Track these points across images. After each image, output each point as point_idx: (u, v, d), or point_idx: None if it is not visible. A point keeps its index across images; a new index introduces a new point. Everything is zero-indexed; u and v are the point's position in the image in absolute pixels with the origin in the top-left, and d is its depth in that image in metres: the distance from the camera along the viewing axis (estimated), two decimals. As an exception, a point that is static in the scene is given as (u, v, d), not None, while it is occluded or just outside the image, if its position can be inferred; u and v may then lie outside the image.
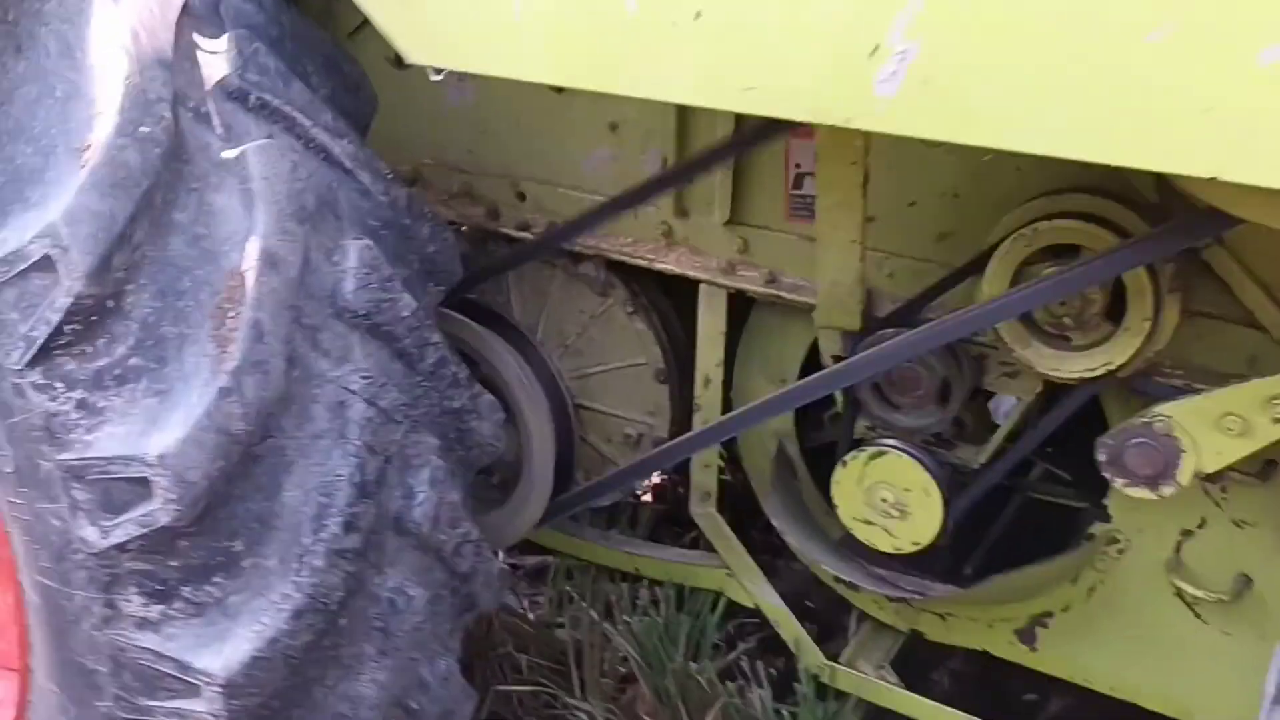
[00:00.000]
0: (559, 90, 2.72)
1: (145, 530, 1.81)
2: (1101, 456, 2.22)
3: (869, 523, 2.48)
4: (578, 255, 2.88)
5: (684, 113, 2.62)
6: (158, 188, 1.80)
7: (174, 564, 1.86)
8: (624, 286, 2.87)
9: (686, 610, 3.03)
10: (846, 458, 2.47)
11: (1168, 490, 2.19)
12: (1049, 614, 2.66)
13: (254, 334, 1.83)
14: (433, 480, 2.09)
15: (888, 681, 2.83)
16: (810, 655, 2.89)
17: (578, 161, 2.81)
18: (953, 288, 2.39)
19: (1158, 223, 2.16)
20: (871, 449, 2.43)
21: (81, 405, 1.80)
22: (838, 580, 2.90)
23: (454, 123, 2.92)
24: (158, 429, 1.80)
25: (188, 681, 1.87)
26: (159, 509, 1.79)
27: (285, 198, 1.92)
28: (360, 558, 1.98)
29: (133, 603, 1.88)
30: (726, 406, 2.83)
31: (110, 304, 1.78)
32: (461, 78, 2.85)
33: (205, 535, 1.86)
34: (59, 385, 1.80)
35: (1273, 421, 2.09)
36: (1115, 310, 2.22)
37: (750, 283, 2.65)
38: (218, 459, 1.81)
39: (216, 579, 1.88)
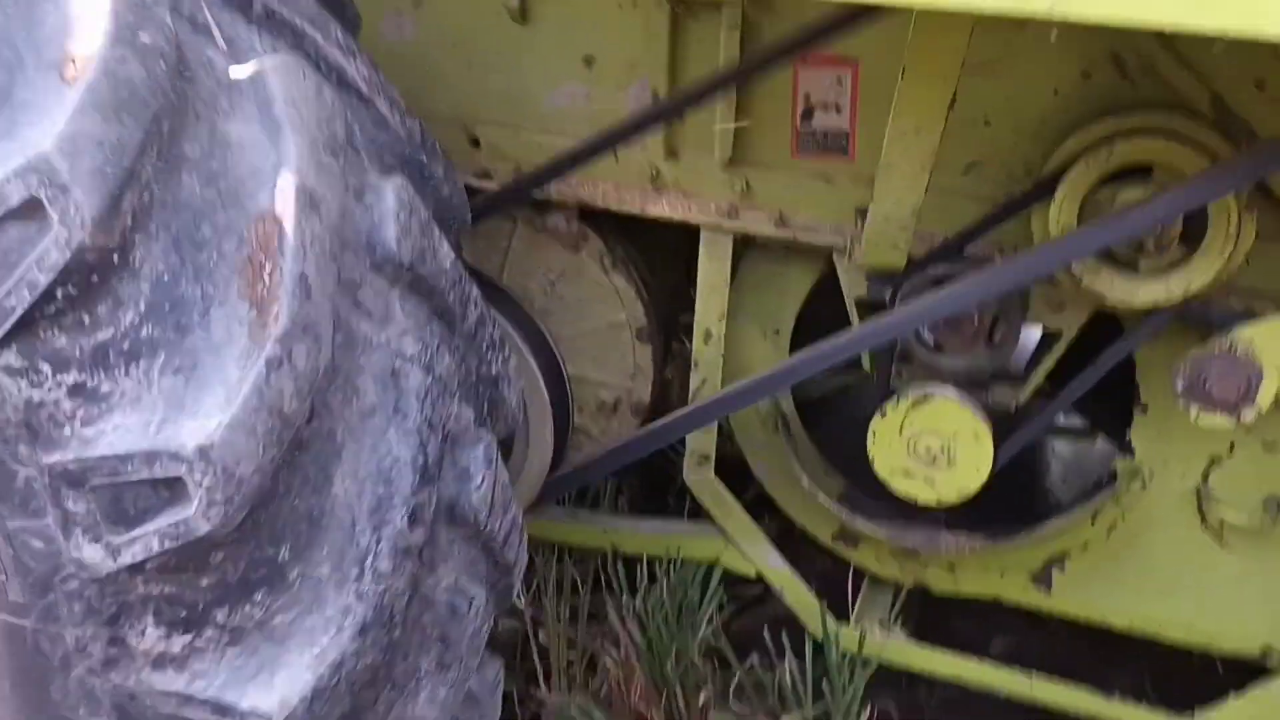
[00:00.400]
0: (523, 19, 2.35)
1: (174, 544, 1.35)
2: (1180, 385, 2.02)
3: (909, 475, 2.22)
4: (542, 205, 2.51)
5: (676, 39, 2.28)
6: (166, 112, 1.35)
7: (205, 583, 1.40)
8: (599, 238, 2.52)
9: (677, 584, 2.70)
10: (886, 406, 2.19)
11: (1249, 415, 2.01)
12: (1065, 555, 2.46)
13: (301, 291, 1.39)
14: (488, 458, 1.69)
15: (898, 639, 2.58)
16: (818, 620, 2.60)
17: (539, 100, 2.43)
18: (1004, 220, 2.13)
19: (1237, 140, 1.97)
20: (914, 395, 2.16)
21: (77, 391, 1.32)
22: (835, 539, 2.66)
23: (392, 61, 2.49)
24: (188, 415, 1.34)
25: None
26: (197, 516, 1.32)
27: (316, 125, 1.49)
28: (421, 555, 1.59)
29: (148, 636, 1.40)
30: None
31: (116, 258, 1.31)
32: (399, 9, 2.44)
33: (244, 544, 1.39)
34: (44, 367, 1.31)
35: None
36: (1188, 232, 2.00)
37: (758, 225, 2.35)
38: (270, 447, 1.36)
39: (257, 597, 1.43)
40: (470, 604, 1.67)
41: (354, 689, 1.47)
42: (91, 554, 1.36)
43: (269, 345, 1.36)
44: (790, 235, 2.30)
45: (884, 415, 2.17)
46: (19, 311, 1.29)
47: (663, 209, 2.36)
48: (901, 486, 2.22)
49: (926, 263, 2.15)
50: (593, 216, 2.47)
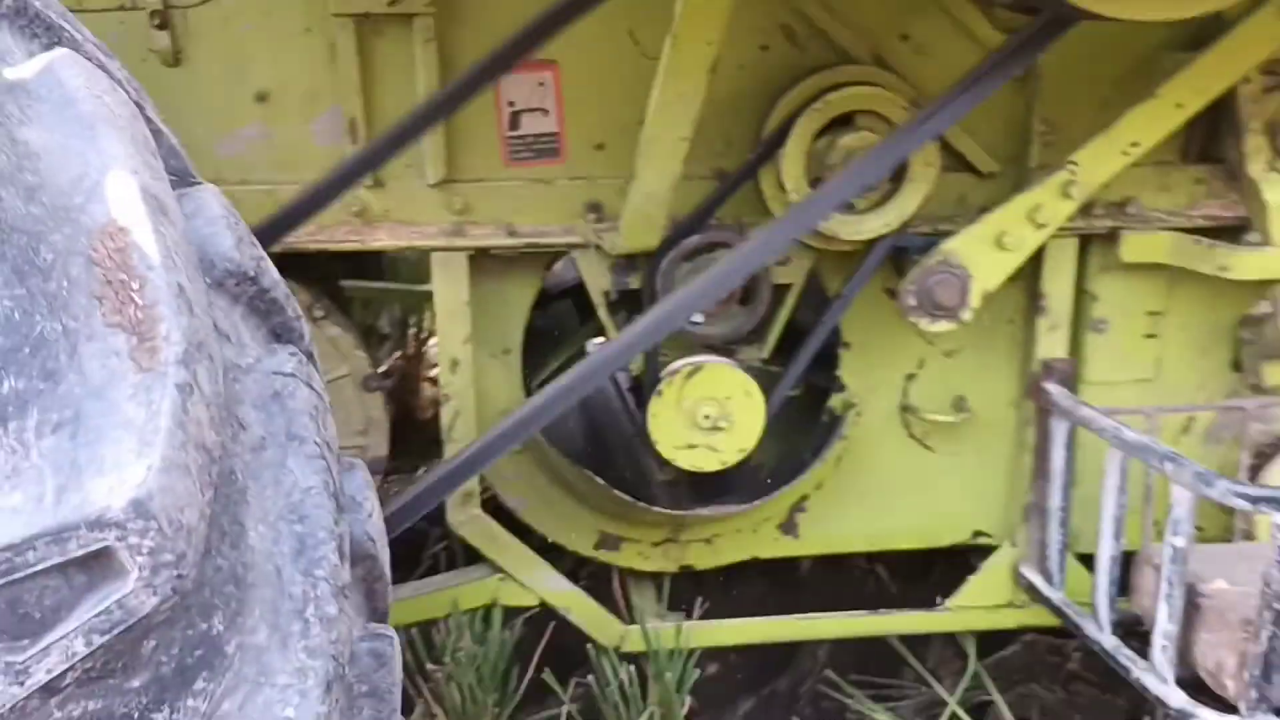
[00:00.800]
0: (175, 62, 2.05)
1: (108, 636, 1.00)
2: (910, 301, 2.16)
3: (692, 446, 2.17)
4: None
5: (368, 62, 2.10)
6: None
7: (136, 684, 1.04)
8: (304, 288, 2.24)
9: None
10: (661, 386, 2.14)
11: (966, 315, 2.19)
12: (805, 498, 2.51)
13: (183, 304, 1.09)
14: (367, 483, 1.43)
15: (676, 621, 2.48)
16: (610, 629, 2.45)
17: (210, 150, 2.14)
18: (739, 187, 2.15)
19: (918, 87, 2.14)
20: (685, 368, 2.14)
21: None
22: (597, 548, 2.54)
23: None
24: (91, 475, 0.99)
25: None
26: (139, 589, 0.98)
27: (128, 121, 1.19)
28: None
29: None
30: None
31: None
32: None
33: (175, 624, 1.06)
34: None
35: (1036, 228, 2.18)
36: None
37: (488, 239, 2.17)
38: (207, 488, 1.05)
39: (198, 685, 1.09)
40: (390, 648, 1.39)
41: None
42: None
43: (172, 370, 1.05)
44: (525, 242, 2.19)
45: (660, 394, 2.13)
46: None
47: (383, 240, 2.16)
48: (686, 460, 2.18)
49: (672, 243, 2.14)
50: (299, 264, 2.20)
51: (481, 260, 2.23)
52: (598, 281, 2.21)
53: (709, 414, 2.14)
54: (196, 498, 1.04)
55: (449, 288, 2.20)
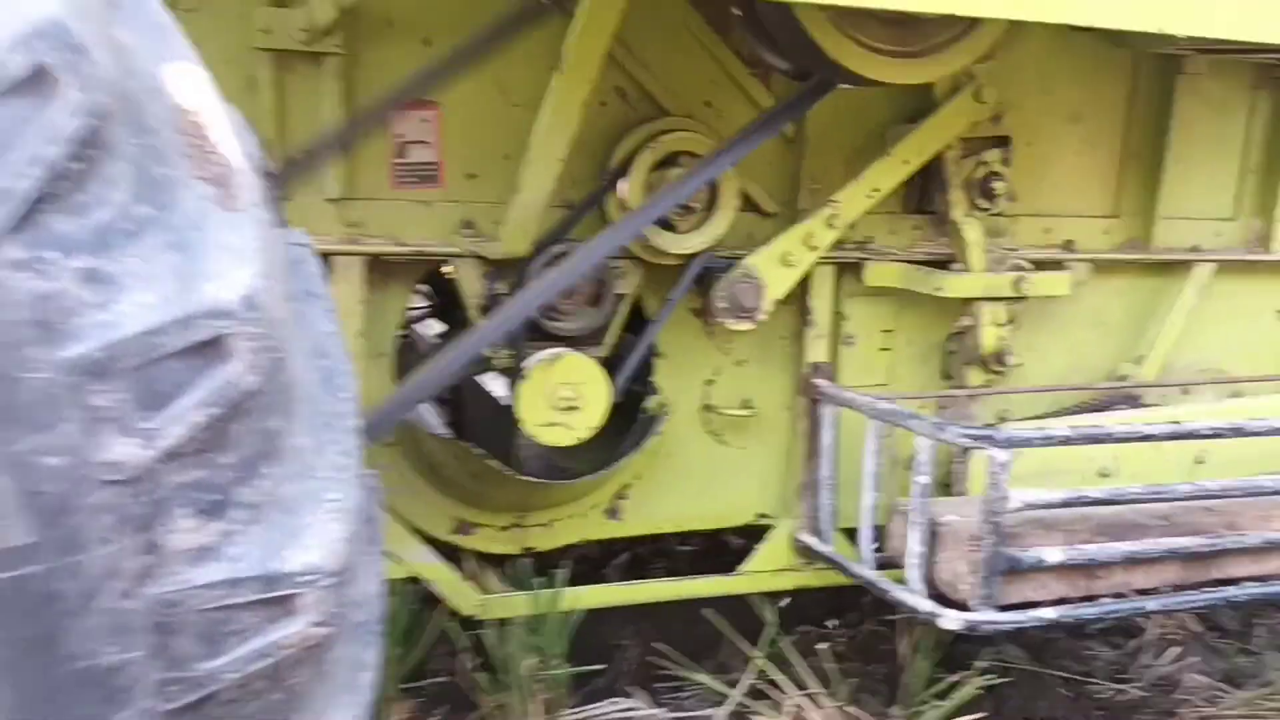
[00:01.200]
0: None
1: (218, 410, 1.19)
2: (722, 304, 2.57)
3: (552, 425, 2.45)
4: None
5: (282, 93, 2.34)
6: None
7: (226, 461, 1.22)
8: None
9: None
10: (526, 371, 2.44)
11: (761, 317, 2.61)
12: (628, 486, 2.81)
13: (252, 165, 1.31)
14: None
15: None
16: (467, 597, 2.65)
17: None
18: (587, 212, 2.52)
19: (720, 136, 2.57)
20: (547, 357, 2.44)
21: (88, 277, 1.13)
22: (454, 532, 2.74)
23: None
24: (204, 280, 1.19)
25: (276, 597, 1.25)
26: (242, 370, 1.19)
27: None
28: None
29: (182, 531, 1.18)
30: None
31: (106, 131, 1.14)
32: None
33: (255, 414, 1.25)
34: (52, 255, 1.11)
35: (810, 250, 2.67)
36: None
37: (383, 246, 2.42)
38: (284, 302, 1.29)
39: (264, 470, 1.26)
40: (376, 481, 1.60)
41: (370, 539, 1.40)
42: (124, 450, 1.15)
43: (252, 210, 1.27)
44: (414, 251, 2.46)
45: (527, 378, 2.43)
46: (28, 193, 1.10)
47: (287, 247, 2.38)
48: (547, 436, 2.47)
49: (540, 250, 2.47)
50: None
51: (372, 267, 2.47)
52: (472, 287, 2.51)
53: (565, 395, 2.45)
54: (279, 305, 1.29)
55: (346, 288, 2.42)
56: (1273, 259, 3.23)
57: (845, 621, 3.34)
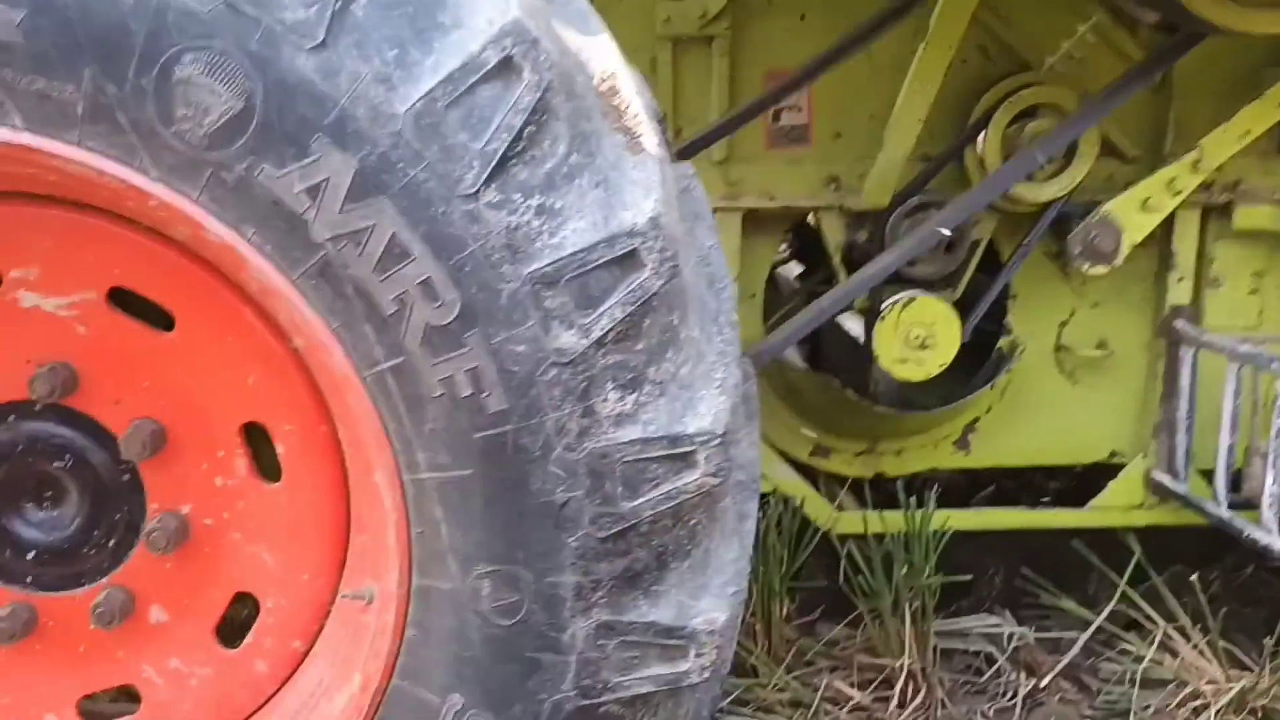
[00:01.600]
0: None
1: (632, 307, 1.51)
2: (1079, 249, 2.65)
3: (904, 361, 2.63)
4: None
5: (678, 73, 2.70)
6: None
7: (640, 347, 1.55)
8: None
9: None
10: (882, 312, 2.63)
11: (1117, 261, 2.64)
12: (977, 420, 2.93)
13: (653, 120, 1.64)
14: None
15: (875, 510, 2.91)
16: (823, 511, 2.90)
17: None
18: (945, 165, 2.68)
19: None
20: (902, 299, 2.61)
21: (541, 211, 1.48)
22: (811, 455, 3.02)
23: None
24: (621, 209, 1.52)
25: (678, 453, 1.56)
26: (650, 276, 1.51)
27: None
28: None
29: (609, 401, 1.53)
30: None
31: (550, 100, 1.49)
32: None
33: (659, 311, 1.56)
34: (517, 197, 1.48)
35: (1173, 195, 2.62)
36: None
37: (756, 202, 2.74)
38: (677, 221, 1.59)
39: (669, 354, 1.58)
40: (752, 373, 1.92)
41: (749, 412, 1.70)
42: (568, 339, 1.51)
43: (655, 153, 1.58)
44: (784, 205, 2.75)
45: (883, 319, 2.63)
46: (499, 153, 1.46)
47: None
48: (901, 372, 2.65)
49: (900, 202, 2.66)
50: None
51: (747, 220, 2.77)
52: (835, 236, 2.76)
53: (918, 335, 2.63)
54: (676, 225, 1.58)
55: (725, 240, 2.72)
56: None
57: (1224, 565, 3.22)
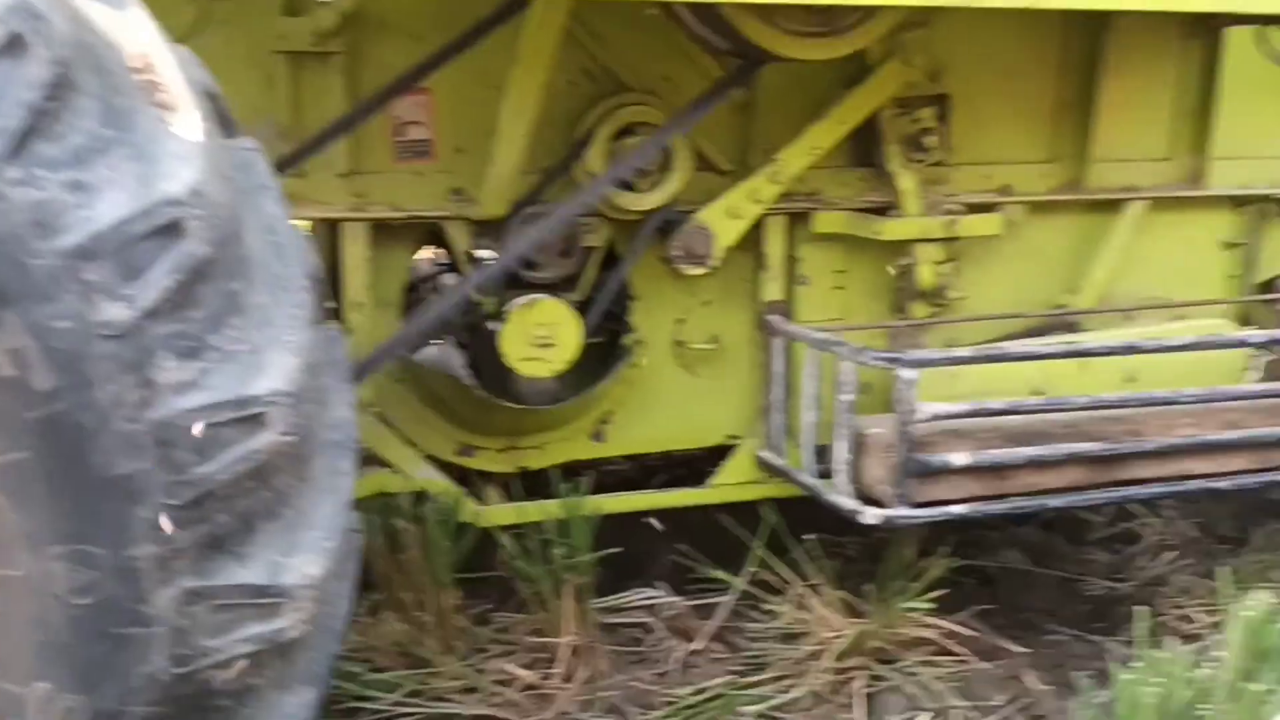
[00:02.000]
0: None
1: (181, 276, 1.52)
2: (678, 252, 2.89)
3: (531, 360, 2.76)
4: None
5: (296, 86, 2.73)
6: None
7: (198, 315, 1.56)
8: None
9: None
10: (507, 313, 2.73)
11: (712, 263, 2.89)
12: (610, 413, 3.11)
13: (192, 96, 1.65)
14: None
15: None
16: (465, 506, 2.95)
17: None
18: (557, 178, 2.84)
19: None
20: (524, 301, 2.74)
21: (72, 185, 1.48)
22: (457, 454, 3.07)
23: None
24: (159, 181, 1.52)
25: (247, 415, 1.59)
26: (196, 243, 1.53)
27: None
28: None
29: (169, 370, 1.53)
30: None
31: (70, 75, 1.48)
32: None
33: (217, 279, 1.59)
34: (42, 173, 1.46)
35: (754, 203, 2.91)
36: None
37: (383, 213, 2.78)
38: (229, 191, 1.62)
39: (233, 321, 1.60)
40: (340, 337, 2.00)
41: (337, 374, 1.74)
42: (115, 311, 1.50)
43: (199, 125, 1.61)
44: (410, 215, 2.80)
45: (508, 320, 2.74)
46: (17, 129, 1.45)
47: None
48: (526, 369, 2.78)
49: (515, 212, 2.81)
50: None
51: (377, 230, 2.84)
52: (461, 245, 2.87)
53: (541, 335, 2.77)
54: (226, 195, 1.61)
55: (354, 247, 2.79)
56: (1206, 194, 3.37)
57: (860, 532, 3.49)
